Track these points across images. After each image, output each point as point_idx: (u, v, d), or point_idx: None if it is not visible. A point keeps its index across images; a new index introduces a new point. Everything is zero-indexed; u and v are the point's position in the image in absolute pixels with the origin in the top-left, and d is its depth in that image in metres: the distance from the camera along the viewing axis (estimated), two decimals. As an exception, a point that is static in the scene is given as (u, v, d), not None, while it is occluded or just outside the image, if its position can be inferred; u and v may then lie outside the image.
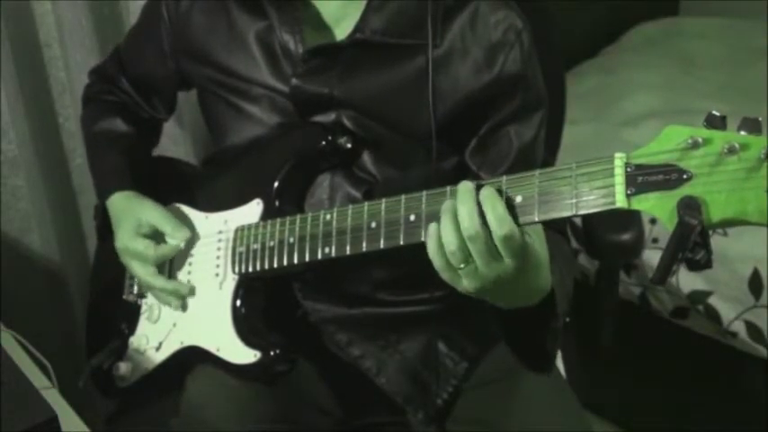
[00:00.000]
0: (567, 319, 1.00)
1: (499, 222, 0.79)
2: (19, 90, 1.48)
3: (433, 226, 0.83)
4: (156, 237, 1.14)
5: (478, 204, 0.80)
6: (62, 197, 1.63)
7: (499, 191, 0.81)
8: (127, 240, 1.14)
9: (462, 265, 0.82)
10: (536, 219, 0.80)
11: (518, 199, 0.81)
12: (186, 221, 1.16)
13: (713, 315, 1.75)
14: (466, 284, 0.84)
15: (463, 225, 0.80)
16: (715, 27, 2.65)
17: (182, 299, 1.14)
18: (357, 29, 1.05)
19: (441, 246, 0.82)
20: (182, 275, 1.16)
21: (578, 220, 1.58)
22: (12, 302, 1.45)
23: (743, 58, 2.45)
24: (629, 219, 1.32)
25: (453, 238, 0.81)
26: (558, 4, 1.53)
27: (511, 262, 0.81)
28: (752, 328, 1.71)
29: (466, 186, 0.82)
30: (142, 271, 1.13)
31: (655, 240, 1.75)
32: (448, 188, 0.86)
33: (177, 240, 1.12)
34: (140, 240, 1.13)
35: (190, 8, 1.16)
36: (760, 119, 0.69)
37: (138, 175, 1.21)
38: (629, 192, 0.74)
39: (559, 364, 1.29)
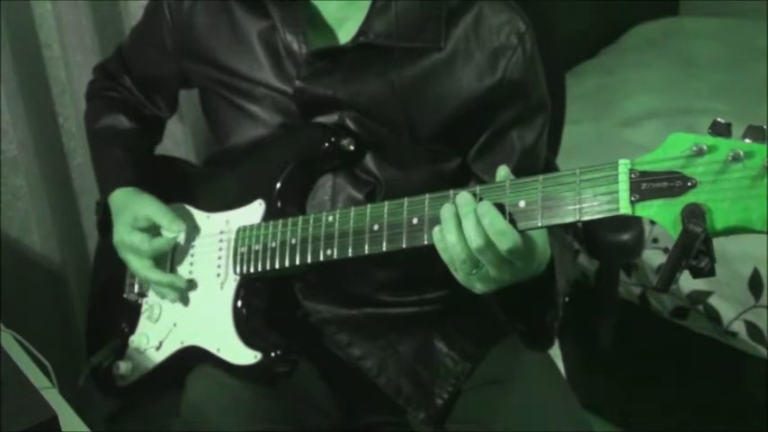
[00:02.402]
0: (567, 299, 1.00)
1: (500, 237, 0.80)
2: (19, 90, 1.48)
3: (436, 233, 0.84)
4: (153, 230, 1.14)
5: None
6: (62, 197, 1.63)
7: (498, 205, 0.82)
8: (123, 234, 1.14)
9: (474, 271, 0.84)
10: (539, 224, 0.81)
11: (521, 204, 0.81)
12: (188, 219, 1.17)
13: (713, 315, 1.74)
14: (480, 287, 0.87)
15: (469, 238, 0.81)
16: (715, 27, 2.65)
17: (178, 292, 1.14)
18: (361, 32, 1.05)
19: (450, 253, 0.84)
20: (183, 275, 1.15)
21: (578, 220, 1.58)
22: (12, 302, 1.45)
23: (743, 58, 2.45)
24: (629, 219, 1.32)
25: (461, 249, 0.83)
26: (558, 4, 1.53)
27: (521, 263, 0.83)
28: (752, 328, 1.71)
29: (465, 199, 0.83)
30: (139, 264, 1.13)
31: (655, 240, 1.75)
32: (451, 191, 0.86)
33: (173, 233, 1.12)
34: (136, 234, 1.13)
35: (192, 8, 1.16)
36: (765, 126, 0.69)
37: (140, 172, 1.21)
38: (632, 198, 0.74)
39: (559, 363, 1.29)
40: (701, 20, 2.72)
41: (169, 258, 1.16)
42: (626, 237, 1.31)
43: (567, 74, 1.58)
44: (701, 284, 1.75)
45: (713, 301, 1.74)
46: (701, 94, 2.24)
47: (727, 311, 1.73)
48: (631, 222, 1.32)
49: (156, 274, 1.13)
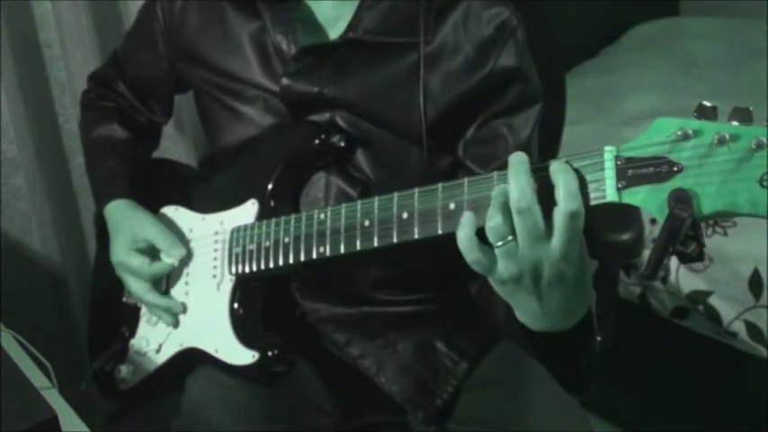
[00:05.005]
0: (599, 338, 0.95)
1: (571, 198, 0.72)
2: (19, 90, 1.48)
3: (467, 213, 0.77)
4: (152, 252, 1.14)
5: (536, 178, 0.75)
6: (62, 197, 1.63)
7: (575, 169, 0.74)
8: (122, 255, 1.14)
9: (500, 243, 0.75)
10: None
11: None
12: (180, 223, 1.17)
13: (713, 315, 1.74)
14: (501, 268, 0.76)
15: (514, 197, 0.73)
16: (715, 27, 2.65)
17: (174, 316, 1.14)
18: (349, 28, 1.05)
19: (473, 229, 0.76)
20: (179, 277, 1.16)
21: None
22: (12, 302, 1.45)
23: (743, 58, 2.45)
24: (628, 219, 1.32)
25: (497, 210, 0.74)
26: (558, 4, 1.53)
27: (558, 245, 0.74)
28: (752, 328, 1.71)
29: (519, 158, 0.75)
30: (137, 286, 1.14)
31: (655, 240, 1.75)
32: (439, 185, 0.85)
33: (172, 258, 1.12)
34: (135, 256, 1.13)
35: (184, 9, 1.16)
36: (751, 108, 0.68)
37: (135, 182, 1.21)
38: (619, 185, 0.73)
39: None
40: (701, 20, 2.72)
41: None
42: (626, 237, 1.31)
43: (567, 74, 1.58)
44: (701, 284, 1.75)
45: (713, 301, 1.74)
46: (701, 94, 2.21)
47: (727, 311, 1.73)
48: (631, 222, 1.32)
49: (153, 298, 1.14)
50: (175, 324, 1.15)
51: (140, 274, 1.13)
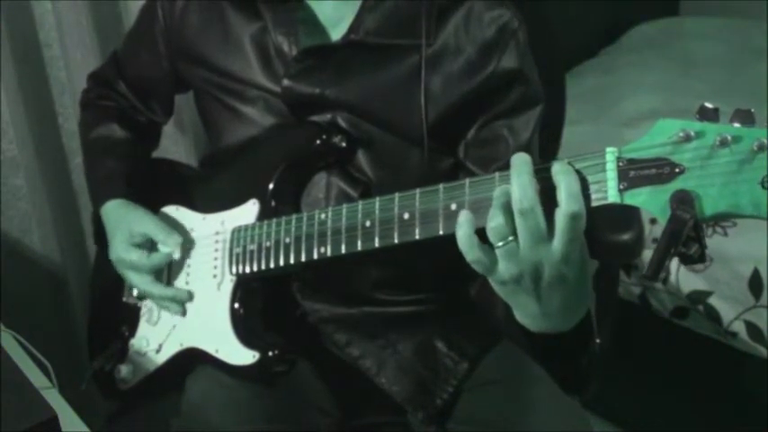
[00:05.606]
0: (599, 341, 0.96)
1: (572, 199, 0.72)
2: (19, 90, 1.48)
3: (465, 212, 0.77)
4: (149, 245, 1.14)
5: (539, 179, 0.74)
6: (62, 197, 1.63)
7: (577, 171, 0.74)
8: (121, 252, 1.14)
9: (501, 243, 0.74)
10: None
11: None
12: (181, 223, 1.17)
13: (713, 315, 1.75)
14: (501, 269, 0.76)
15: (516, 197, 0.73)
16: (715, 27, 2.65)
17: (181, 304, 1.14)
18: (351, 29, 1.05)
19: (471, 228, 0.75)
20: (180, 277, 1.16)
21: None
22: (12, 302, 1.45)
23: (743, 58, 2.45)
24: (629, 219, 1.32)
25: (499, 211, 0.74)
26: (558, 5, 1.53)
27: (559, 246, 0.74)
28: (752, 328, 1.71)
29: (522, 158, 0.75)
30: (139, 280, 1.14)
31: (655, 240, 1.75)
32: (441, 186, 0.85)
33: (170, 247, 1.12)
34: (133, 251, 1.13)
35: (184, 9, 1.16)
36: (752, 110, 0.68)
37: (132, 182, 1.21)
38: (621, 186, 0.73)
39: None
40: (701, 20, 2.72)
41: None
42: (626, 237, 1.31)
43: (567, 74, 1.58)
44: (701, 284, 1.75)
45: (713, 301, 1.74)
46: (701, 94, 2.24)
47: (727, 311, 1.73)
48: (631, 222, 1.32)
49: (158, 289, 1.14)
50: (183, 312, 1.15)
51: (140, 267, 1.13)
